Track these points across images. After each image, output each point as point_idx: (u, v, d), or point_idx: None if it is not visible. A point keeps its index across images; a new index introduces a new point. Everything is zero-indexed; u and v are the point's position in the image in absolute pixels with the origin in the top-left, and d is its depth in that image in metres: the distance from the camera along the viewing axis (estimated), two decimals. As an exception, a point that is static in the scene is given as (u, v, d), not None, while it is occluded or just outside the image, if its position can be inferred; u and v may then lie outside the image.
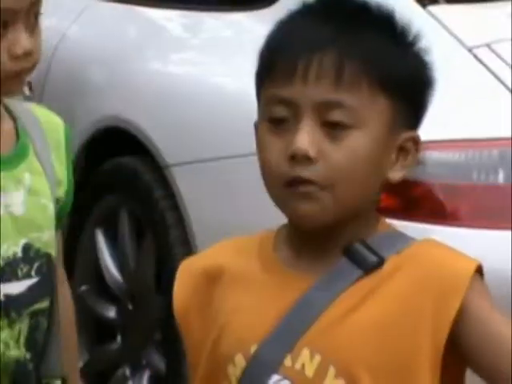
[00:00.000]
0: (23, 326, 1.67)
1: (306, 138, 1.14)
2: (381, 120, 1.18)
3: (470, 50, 2.54)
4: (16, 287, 1.67)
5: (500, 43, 2.62)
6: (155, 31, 3.84)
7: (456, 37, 2.58)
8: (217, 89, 3.37)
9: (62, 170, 1.73)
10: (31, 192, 1.64)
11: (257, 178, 1.27)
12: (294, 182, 1.15)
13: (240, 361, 1.23)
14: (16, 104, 1.69)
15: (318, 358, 1.19)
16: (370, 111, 1.17)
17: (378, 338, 1.18)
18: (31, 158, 1.64)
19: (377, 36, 1.19)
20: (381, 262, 1.19)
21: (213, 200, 3.22)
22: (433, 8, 2.73)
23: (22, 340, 1.65)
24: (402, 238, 1.25)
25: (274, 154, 1.18)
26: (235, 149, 2.84)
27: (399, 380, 1.17)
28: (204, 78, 3.43)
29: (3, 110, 1.59)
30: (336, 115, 1.16)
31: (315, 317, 1.20)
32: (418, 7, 2.75)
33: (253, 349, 1.21)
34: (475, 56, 2.59)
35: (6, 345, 1.64)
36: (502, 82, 2.44)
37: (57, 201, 1.69)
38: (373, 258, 1.19)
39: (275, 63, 1.19)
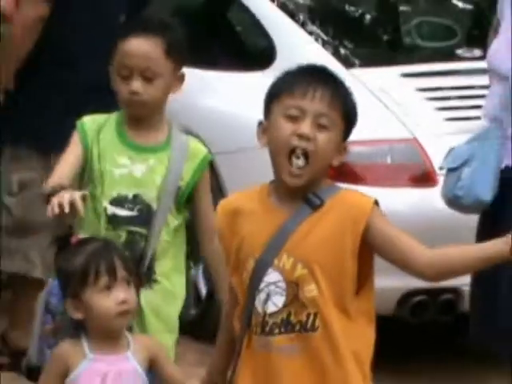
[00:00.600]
0: (122, 235, 2.79)
1: (309, 127, 2.04)
2: (340, 128, 2.11)
3: (372, 93, 4.53)
4: (121, 212, 2.81)
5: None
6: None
7: (364, 85, 4.54)
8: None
9: (188, 172, 2.83)
10: (150, 170, 2.79)
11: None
12: (295, 150, 2.01)
13: (251, 261, 2.10)
14: (178, 133, 2.91)
15: (291, 259, 2.08)
16: (338, 124, 2.09)
17: (324, 245, 2.07)
18: (162, 155, 2.80)
19: (339, 84, 2.19)
20: (322, 203, 2.09)
21: (246, 181, 4.73)
22: (352, 70, 4.75)
23: (120, 244, 2.77)
24: (335, 189, 2.16)
25: (286, 133, 2.05)
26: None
27: (336, 268, 2.07)
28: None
29: (165, 127, 2.83)
30: (323, 120, 2.06)
31: (289, 235, 2.10)
32: (343, 69, 4.62)
33: (257, 255, 2.10)
34: (378, 98, 4.55)
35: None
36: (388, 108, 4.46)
37: (179, 188, 2.81)
38: (317, 201, 2.09)
39: (294, 87, 2.11)
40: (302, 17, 5.07)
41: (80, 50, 4.20)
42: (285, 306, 2.16)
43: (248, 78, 4.91)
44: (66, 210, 2.58)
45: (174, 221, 2.95)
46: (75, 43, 4.19)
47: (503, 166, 3.44)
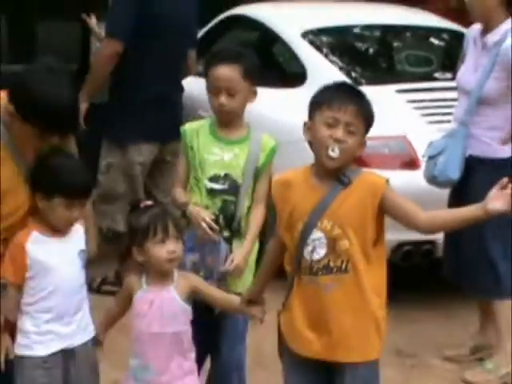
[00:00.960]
0: (218, 202, 3.48)
1: (342, 132, 2.63)
2: (362, 131, 2.69)
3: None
4: (216, 186, 3.51)
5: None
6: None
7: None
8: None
9: (262, 158, 3.51)
10: (235, 156, 3.48)
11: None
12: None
13: (300, 223, 2.69)
14: (254, 130, 3.56)
15: (330, 222, 2.65)
16: (361, 129, 2.68)
17: (353, 212, 2.65)
18: (243, 146, 3.49)
19: (363, 99, 2.76)
20: (350, 182, 2.67)
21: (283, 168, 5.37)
22: (360, 87, 5.77)
23: (216, 211, 3.45)
24: (359, 171, 2.73)
25: (325, 136, 2.63)
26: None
27: (361, 228, 2.63)
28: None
29: (245, 125, 3.54)
30: (352, 128, 2.65)
31: (328, 205, 2.67)
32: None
33: (305, 219, 2.67)
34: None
35: (207, 207, 3.44)
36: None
37: (256, 168, 3.49)
38: (346, 180, 2.67)
39: (332, 102, 2.68)
40: (324, 50, 6.12)
41: (152, 71, 5.07)
42: (325, 255, 2.75)
43: (286, 93, 6.00)
44: (213, 226, 3.51)
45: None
46: (149, 66, 5.04)
47: (467, 154, 4.41)
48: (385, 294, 2.86)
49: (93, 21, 5.97)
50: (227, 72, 3.59)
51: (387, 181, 2.77)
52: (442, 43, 6.76)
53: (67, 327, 3.21)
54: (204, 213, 3.54)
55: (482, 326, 4.62)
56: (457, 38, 5.94)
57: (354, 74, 5.98)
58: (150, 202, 3.56)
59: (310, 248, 2.75)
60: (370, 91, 4.89)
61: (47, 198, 3.14)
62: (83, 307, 3.30)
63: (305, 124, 2.84)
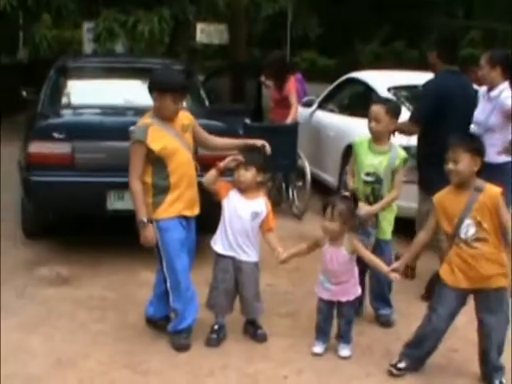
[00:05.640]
0: (369, 188, 5.42)
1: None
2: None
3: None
4: (368, 178, 5.44)
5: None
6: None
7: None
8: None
9: (397, 162, 5.38)
10: (380, 161, 5.36)
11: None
12: None
13: (456, 218, 4.57)
14: (394, 145, 5.46)
15: (478, 215, 4.53)
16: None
17: (486, 210, 4.50)
18: (386, 155, 5.37)
19: (467, 142, 4.60)
20: (483, 189, 4.51)
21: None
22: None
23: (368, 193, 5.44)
24: (484, 183, 4.54)
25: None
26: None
27: (492, 221, 4.51)
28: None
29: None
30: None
31: (472, 206, 4.52)
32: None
33: (460, 214, 4.56)
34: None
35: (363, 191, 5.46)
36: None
37: (393, 169, 5.35)
38: (481, 189, 4.51)
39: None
40: (401, 98, 8.35)
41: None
42: (474, 233, 4.49)
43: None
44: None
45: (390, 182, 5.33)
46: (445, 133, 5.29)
47: None
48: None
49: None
50: (377, 109, 5.38)
51: (501, 192, 4.52)
52: None
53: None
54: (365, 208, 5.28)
55: None
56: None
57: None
58: (347, 193, 5.05)
59: (464, 229, 4.54)
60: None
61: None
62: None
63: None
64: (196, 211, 5.18)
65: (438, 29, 27.30)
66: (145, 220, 4.91)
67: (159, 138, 4.95)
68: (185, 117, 5.16)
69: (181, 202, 5.05)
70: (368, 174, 5.40)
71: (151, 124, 4.99)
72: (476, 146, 4.53)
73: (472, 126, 6.44)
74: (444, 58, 6.37)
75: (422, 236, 4.79)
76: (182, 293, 5.10)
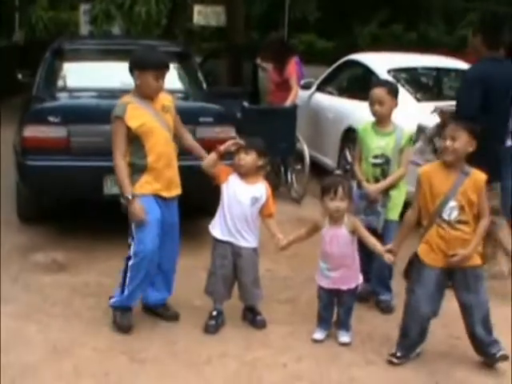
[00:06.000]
0: (378, 170, 5.46)
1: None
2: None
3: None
4: (376, 161, 5.50)
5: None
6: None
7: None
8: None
9: (403, 142, 5.40)
10: (387, 142, 5.42)
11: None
12: None
13: (442, 196, 4.50)
14: (399, 126, 5.46)
15: (462, 199, 4.51)
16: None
17: (470, 193, 4.48)
18: (392, 136, 5.43)
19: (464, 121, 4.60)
20: (470, 173, 4.50)
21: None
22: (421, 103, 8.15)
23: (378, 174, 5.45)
24: (471, 168, 4.52)
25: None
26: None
27: (473, 203, 4.51)
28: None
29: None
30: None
31: (458, 189, 4.48)
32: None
33: (445, 193, 4.49)
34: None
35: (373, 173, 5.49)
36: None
37: (400, 149, 5.40)
38: (468, 173, 4.50)
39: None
40: (401, 80, 8.50)
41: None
42: (457, 216, 4.51)
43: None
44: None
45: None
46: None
47: None
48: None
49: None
50: (379, 91, 5.48)
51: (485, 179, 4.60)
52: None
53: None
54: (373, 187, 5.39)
55: None
56: None
57: (417, 95, 8.53)
58: (339, 171, 6.01)
59: (448, 211, 4.52)
60: (426, 106, 7.54)
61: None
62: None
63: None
64: (175, 192, 5.14)
65: (437, 11, 27.19)
66: (130, 196, 4.88)
67: (137, 116, 4.94)
68: (166, 98, 5.14)
69: (158, 182, 5.02)
70: (376, 157, 5.44)
71: (130, 102, 4.98)
72: (475, 128, 4.51)
73: None
74: (489, 44, 6.02)
75: (410, 214, 4.73)
76: (141, 271, 5.05)
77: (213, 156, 5.06)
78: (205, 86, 8.07)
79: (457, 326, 5.01)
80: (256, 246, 5.18)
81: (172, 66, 8.06)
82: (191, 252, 6.47)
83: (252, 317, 5.36)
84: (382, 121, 5.47)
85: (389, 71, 8.88)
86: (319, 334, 5.13)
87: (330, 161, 9.58)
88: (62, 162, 6.47)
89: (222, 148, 5.03)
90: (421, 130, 6.55)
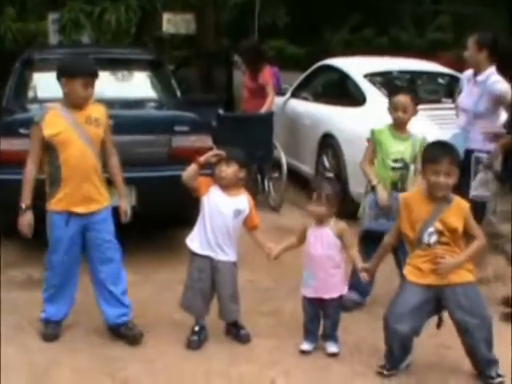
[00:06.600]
0: (397, 174, 5.51)
1: (444, 179, 4.35)
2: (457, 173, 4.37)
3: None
4: (395, 165, 5.53)
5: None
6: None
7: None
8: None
9: (418, 147, 5.45)
10: (405, 147, 5.52)
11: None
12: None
13: (421, 223, 4.42)
14: (413, 133, 5.56)
15: (440, 225, 4.39)
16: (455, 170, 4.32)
17: (451, 220, 4.38)
18: (409, 141, 5.55)
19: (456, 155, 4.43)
20: (451, 201, 4.40)
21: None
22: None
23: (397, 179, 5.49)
24: (454, 195, 4.41)
25: (435, 180, 4.35)
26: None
27: (455, 230, 4.38)
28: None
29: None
30: (450, 173, 4.30)
31: (436, 217, 4.38)
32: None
33: (424, 220, 4.40)
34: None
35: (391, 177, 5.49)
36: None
37: (415, 154, 5.44)
38: (450, 200, 4.40)
39: (437, 160, 4.30)
40: (376, 84, 8.59)
41: None
42: (436, 239, 4.39)
43: (354, 110, 8.49)
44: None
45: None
46: None
47: (464, 149, 5.97)
48: None
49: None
50: (403, 98, 5.55)
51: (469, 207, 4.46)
52: (445, 81, 9.39)
53: None
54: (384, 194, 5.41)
55: None
56: (454, 79, 8.69)
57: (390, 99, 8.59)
58: (331, 175, 5.83)
59: (427, 237, 4.41)
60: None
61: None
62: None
63: (422, 168, 4.46)
64: (94, 208, 4.94)
65: (407, 14, 27.21)
66: (22, 206, 4.83)
67: (54, 124, 4.78)
68: (96, 109, 4.94)
69: (72, 197, 4.88)
70: (396, 161, 5.51)
71: (53, 108, 4.85)
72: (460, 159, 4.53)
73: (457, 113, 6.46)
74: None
75: (388, 237, 4.72)
76: (48, 287, 5.09)
77: (193, 167, 4.88)
78: (179, 94, 7.89)
79: (447, 336, 4.88)
80: (235, 259, 5.04)
81: (145, 74, 8.20)
82: (168, 265, 6.35)
83: (236, 331, 5.22)
84: (401, 127, 5.57)
85: (365, 75, 8.89)
86: (306, 345, 5.01)
87: (307, 168, 9.45)
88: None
89: (202, 159, 4.85)
90: (478, 161, 6.29)
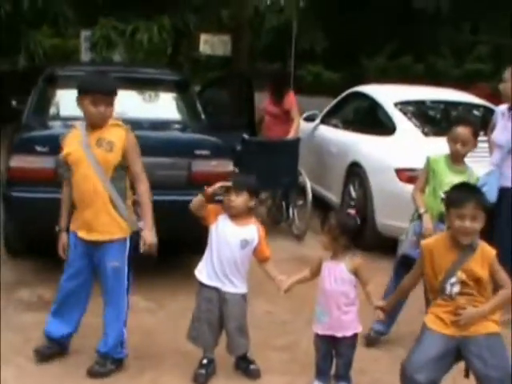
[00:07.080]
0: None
1: (470, 223, 3.98)
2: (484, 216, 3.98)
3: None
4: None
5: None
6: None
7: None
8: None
9: (473, 180, 5.26)
10: (461, 178, 5.09)
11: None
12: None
13: (443, 273, 4.06)
14: (469, 166, 5.39)
15: (464, 275, 4.02)
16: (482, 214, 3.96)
17: (475, 269, 4.00)
18: (465, 173, 5.34)
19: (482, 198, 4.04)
20: (476, 248, 4.01)
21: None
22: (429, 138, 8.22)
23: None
24: (480, 241, 4.04)
25: (458, 225, 4.00)
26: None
27: (480, 280, 4.03)
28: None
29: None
30: (476, 217, 3.94)
31: (460, 266, 4.02)
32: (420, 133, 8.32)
33: (444, 273, 4.06)
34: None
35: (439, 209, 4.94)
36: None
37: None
38: (475, 247, 4.01)
39: (461, 205, 3.96)
40: (407, 114, 8.47)
41: None
42: (458, 290, 4.09)
43: (384, 139, 8.37)
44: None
45: None
46: None
47: (500, 186, 5.77)
48: None
49: None
50: (463, 130, 5.36)
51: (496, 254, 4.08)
52: (479, 113, 9.01)
53: None
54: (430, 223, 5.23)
55: None
56: (489, 111, 8.26)
57: (424, 129, 8.33)
58: (352, 212, 5.03)
59: (449, 286, 4.11)
60: (434, 140, 7.34)
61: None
62: None
63: (447, 211, 4.11)
64: (94, 237, 4.71)
65: (445, 43, 26.94)
66: (57, 228, 4.80)
67: (70, 144, 4.72)
68: (113, 132, 4.67)
69: (77, 220, 4.80)
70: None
71: (75, 127, 4.77)
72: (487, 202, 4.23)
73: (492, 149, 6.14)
74: None
75: (406, 283, 4.46)
76: (54, 302, 5.03)
77: (199, 199, 4.71)
78: (203, 116, 7.71)
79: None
80: (245, 291, 4.85)
81: (169, 95, 8.04)
82: (182, 293, 6.15)
83: (245, 366, 5.01)
84: (458, 159, 5.38)
85: (396, 104, 8.75)
86: (318, 386, 4.74)
87: (333, 196, 9.27)
88: (49, 194, 6.00)
89: (209, 190, 4.67)
90: None
